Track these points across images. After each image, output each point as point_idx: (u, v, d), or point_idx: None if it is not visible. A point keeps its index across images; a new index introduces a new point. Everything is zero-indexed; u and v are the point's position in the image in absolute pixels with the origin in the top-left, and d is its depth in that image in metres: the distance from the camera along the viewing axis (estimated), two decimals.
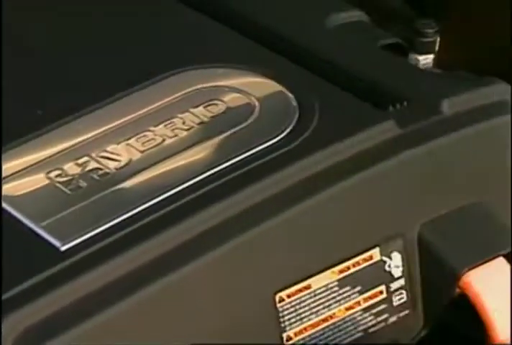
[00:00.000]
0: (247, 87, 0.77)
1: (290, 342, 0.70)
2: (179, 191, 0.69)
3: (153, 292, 0.65)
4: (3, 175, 0.72)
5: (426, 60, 0.84)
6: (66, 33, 0.86)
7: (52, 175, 0.72)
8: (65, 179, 0.71)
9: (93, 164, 0.72)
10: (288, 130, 0.73)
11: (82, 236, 0.67)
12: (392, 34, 0.84)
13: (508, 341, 0.72)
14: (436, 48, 0.84)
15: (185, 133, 0.74)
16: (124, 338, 0.65)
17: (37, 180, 0.72)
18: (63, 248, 0.66)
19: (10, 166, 0.72)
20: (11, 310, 0.62)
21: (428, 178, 0.74)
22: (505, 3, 0.91)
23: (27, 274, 0.64)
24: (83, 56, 0.83)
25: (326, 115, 0.74)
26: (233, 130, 0.74)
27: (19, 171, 0.72)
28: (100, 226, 0.67)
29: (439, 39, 0.84)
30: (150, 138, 0.73)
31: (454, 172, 0.75)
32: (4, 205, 0.70)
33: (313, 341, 0.71)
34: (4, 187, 0.71)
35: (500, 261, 0.73)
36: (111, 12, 0.89)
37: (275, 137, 0.72)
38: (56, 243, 0.66)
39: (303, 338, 0.71)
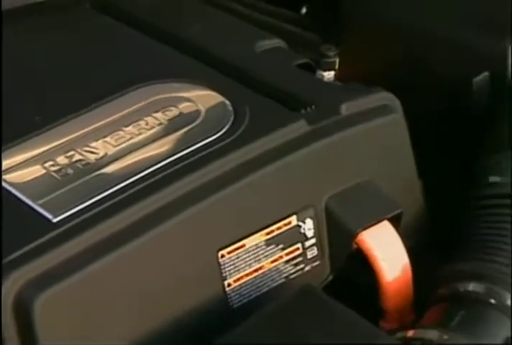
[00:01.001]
0: (195, 97, 0.76)
1: (230, 287, 0.69)
2: (144, 175, 0.68)
3: (125, 252, 0.64)
4: (9, 166, 0.70)
5: (329, 75, 0.83)
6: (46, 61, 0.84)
7: (47, 165, 0.70)
8: (56, 168, 0.70)
9: (77, 157, 0.71)
10: (225, 129, 0.72)
11: (69, 210, 0.66)
12: (304, 56, 0.84)
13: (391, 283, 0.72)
14: (337, 66, 0.83)
15: (148, 132, 0.72)
16: (101, 288, 0.64)
17: (35, 170, 0.70)
18: (55, 220, 0.65)
19: (14, 159, 0.71)
20: (12, 270, 0.61)
21: (331, 163, 0.73)
22: (381, 37, 0.92)
23: (25, 241, 0.63)
24: (67, 76, 0.81)
25: (254, 117, 0.73)
26: (184, 129, 0.73)
27: (21, 163, 0.71)
28: (83, 203, 0.66)
29: (338, 59, 0.83)
30: (121, 136, 0.72)
31: (350, 158, 0.74)
32: (10, 188, 0.68)
33: (247, 286, 0.70)
34: (10, 175, 0.69)
35: (385, 224, 0.73)
36: (75, 42, 0.87)
37: (215, 134, 0.71)
38: (49, 216, 0.65)
39: (239, 284, 0.70)
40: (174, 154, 0.70)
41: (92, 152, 0.71)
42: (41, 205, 0.66)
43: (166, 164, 0.69)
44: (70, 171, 0.69)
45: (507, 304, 0.68)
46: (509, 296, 0.69)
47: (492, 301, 0.68)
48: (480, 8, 0.89)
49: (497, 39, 0.85)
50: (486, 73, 0.84)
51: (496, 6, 0.88)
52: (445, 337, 0.65)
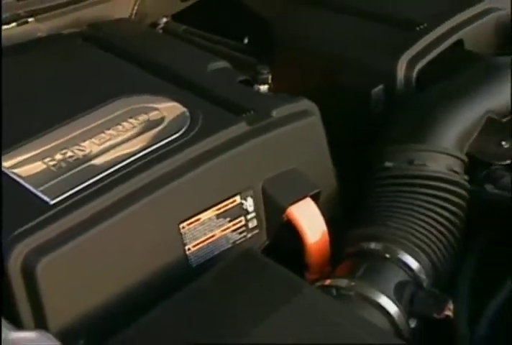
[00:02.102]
0: (161, 106, 0.74)
1: (190, 251, 0.68)
2: (122, 166, 0.67)
3: (108, 225, 0.63)
4: (17, 162, 0.68)
5: (263, 88, 0.82)
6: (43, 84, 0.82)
7: (46, 160, 0.69)
8: (53, 163, 0.69)
9: (70, 153, 0.69)
10: (183, 130, 0.71)
11: (63, 194, 0.64)
12: (245, 74, 0.83)
13: (313, 244, 0.71)
14: (269, 81, 0.83)
15: (124, 133, 0.71)
16: (89, 254, 0.63)
17: (37, 165, 0.69)
18: (52, 202, 0.64)
19: (21, 157, 0.69)
20: (19, 241, 0.61)
21: (266, 154, 0.72)
22: (303, 59, 0.92)
23: (29, 218, 0.62)
24: (62, 93, 0.79)
25: (206, 120, 0.72)
26: (152, 131, 0.72)
27: (26, 159, 0.69)
28: (74, 189, 0.65)
29: (270, 76, 0.83)
30: (103, 137, 0.71)
31: (280, 151, 0.73)
32: (17, 179, 0.67)
33: (203, 250, 0.69)
34: (17, 169, 0.68)
35: (308, 200, 0.72)
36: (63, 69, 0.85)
37: (176, 134, 0.70)
38: (47, 199, 0.64)
39: (197, 249, 0.69)
40: (144, 150, 0.69)
41: (81, 150, 0.69)
42: (41, 191, 0.65)
43: (138, 157, 0.68)
44: (63, 165, 0.68)
45: (398, 257, 0.68)
46: (400, 252, 0.69)
47: (388, 256, 0.68)
48: (377, 36, 0.89)
49: (389, 59, 0.85)
50: (381, 86, 0.84)
51: (388, 34, 0.89)
52: (352, 284, 0.65)
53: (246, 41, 1.01)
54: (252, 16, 1.01)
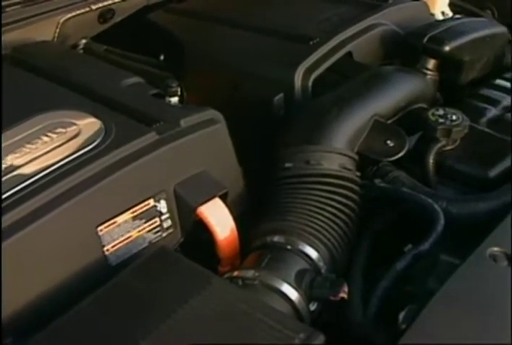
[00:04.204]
0: (78, 120, 0.74)
1: (108, 252, 0.68)
2: (41, 176, 0.66)
3: (32, 229, 0.63)
4: None
5: (174, 100, 0.83)
6: None
7: None
8: None
9: None
10: (98, 141, 0.71)
11: None
12: (156, 88, 0.83)
13: (223, 240, 0.72)
14: (179, 93, 0.83)
15: (43, 147, 0.70)
16: (12, 261, 0.62)
17: None
18: None
19: None
20: None
21: (176, 160, 0.72)
22: (211, 72, 0.92)
23: None
24: None
25: (119, 131, 0.72)
26: (70, 142, 0.71)
27: None
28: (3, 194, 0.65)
29: (179, 89, 0.83)
30: (27, 149, 0.70)
31: (189, 156, 0.74)
32: None
33: (121, 250, 0.69)
34: None
35: (216, 200, 0.73)
36: None
37: (91, 144, 0.70)
38: None
39: (115, 249, 0.69)
40: (62, 160, 0.68)
41: (3, 163, 0.68)
42: None
43: (56, 168, 0.68)
44: None
45: (299, 248, 0.70)
46: (301, 243, 0.70)
47: (289, 247, 0.70)
48: (276, 51, 0.92)
49: (287, 70, 0.87)
50: (281, 94, 0.86)
51: (286, 48, 0.91)
52: (257, 274, 0.66)
53: (162, 58, 1.01)
54: (167, 35, 1.02)
